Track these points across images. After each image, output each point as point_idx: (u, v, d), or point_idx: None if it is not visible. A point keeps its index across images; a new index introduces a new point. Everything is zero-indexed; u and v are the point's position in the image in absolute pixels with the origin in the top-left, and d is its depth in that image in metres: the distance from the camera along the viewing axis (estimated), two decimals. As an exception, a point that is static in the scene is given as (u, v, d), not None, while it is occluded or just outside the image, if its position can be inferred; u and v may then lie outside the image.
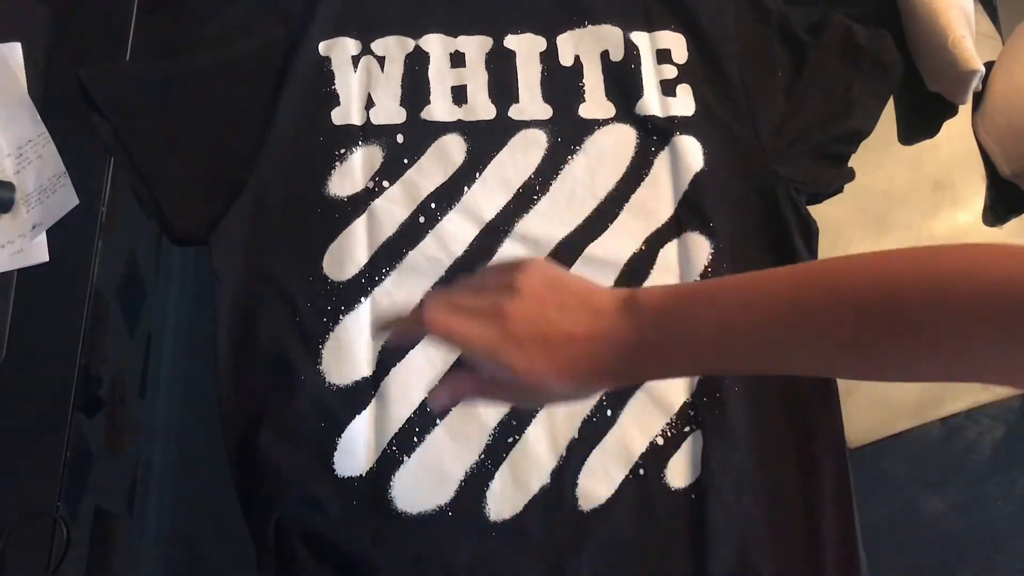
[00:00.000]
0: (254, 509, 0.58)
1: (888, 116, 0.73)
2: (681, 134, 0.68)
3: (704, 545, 0.58)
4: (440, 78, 0.69)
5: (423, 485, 0.59)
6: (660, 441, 0.61)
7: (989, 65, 0.73)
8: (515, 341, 0.45)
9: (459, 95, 0.69)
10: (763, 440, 0.61)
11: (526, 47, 0.71)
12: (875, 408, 0.65)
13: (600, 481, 0.60)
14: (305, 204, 0.65)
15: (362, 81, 0.69)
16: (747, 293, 0.42)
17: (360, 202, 0.65)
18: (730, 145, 0.68)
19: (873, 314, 0.37)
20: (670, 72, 0.70)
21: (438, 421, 0.61)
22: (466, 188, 0.66)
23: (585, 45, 0.71)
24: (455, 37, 0.71)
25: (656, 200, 0.67)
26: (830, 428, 0.61)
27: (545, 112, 0.69)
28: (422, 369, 0.62)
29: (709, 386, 0.62)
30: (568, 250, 0.65)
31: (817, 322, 0.39)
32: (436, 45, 0.70)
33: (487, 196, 0.66)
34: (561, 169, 0.67)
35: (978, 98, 0.74)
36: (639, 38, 0.71)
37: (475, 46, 0.70)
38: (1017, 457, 0.66)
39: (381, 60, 0.69)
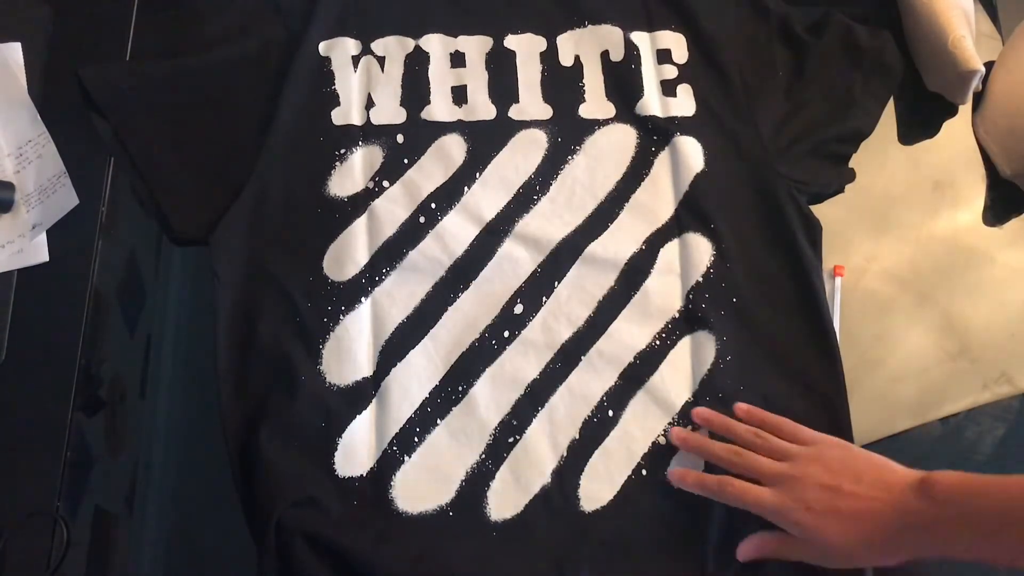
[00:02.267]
0: (254, 509, 0.58)
1: (888, 116, 0.73)
2: (681, 134, 0.68)
3: (706, 545, 0.58)
4: (440, 78, 0.69)
5: (424, 485, 0.59)
6: (662, 441, 0.61)
7: (989, 65, 0.73)
8: (806, 506, 0.52)
9: (459, 95, 0.69)
10: (764, 440, 0.61)
11: (526, 47, 0.71)
12: (875, 408, 0.65)
13: (602, 481, 0.60)
14: (305, 204, 0.65)
15: (362, 81, 0.69)
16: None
17: (360, 202, 0.65)
18: (731, 145, 0.68)
19: None
20: (670, 72, 0.70)
21: (438, 421, 0.61)
22: (466, 188, 0.66)
23: (585, 45, 0.71)
24: (455, 37, 0.71)
25: (656, 200, 0.67)
26: (836, 427, 0.61)
27: (545, 112, 0.69)
28: (422, 369, 0.62)
29: (711, 385, 0.62)
30: (568, 250, 0.65)
31: None
32: (436, 45, 0.70)
33: (487, 196, 0.66)
34: (561, 169, 0.67)
35: (978, 98, 0.74)
36: (639, 38, 0.71)
37: (475, 46, 0.70)
38: (1017, 457, 0.66)
39: (381, 60, 0.70)
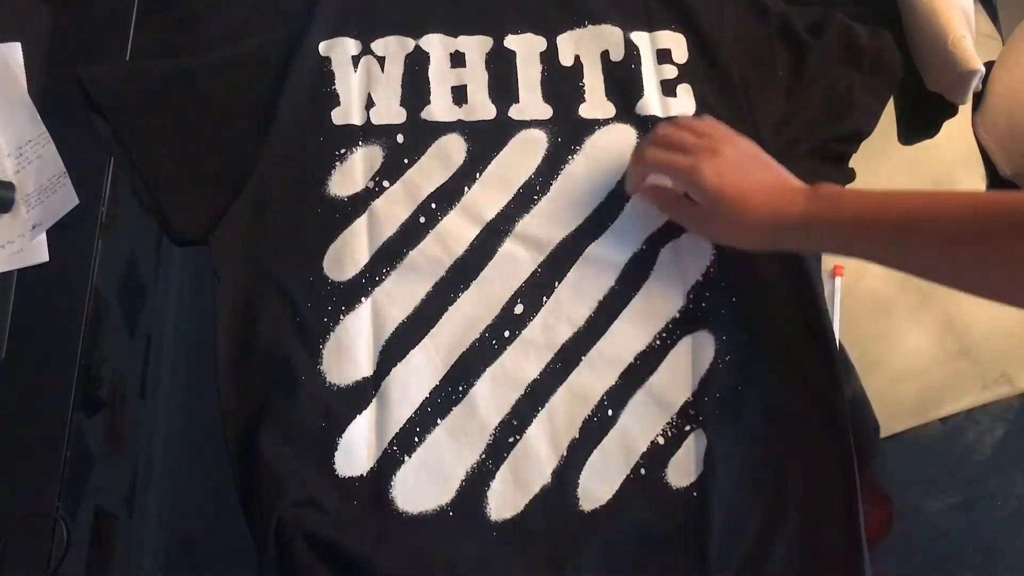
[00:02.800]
0: (254, 509, 0.58)
1: (888, 116, 0.73)
2: (681, 134, 0.68)
3: (706, 544, 0.58)
4: (440, 78, 0.69)
5: (424, 485, 0.59)
6: (661, 440, 0.61)
7: (989, 65, 0.73)
8: (717, 171, 0.59)
9: (459, 95, 0.69)
10: (766, 438, 0.61)
11: (526, 47, 0.71)
12: (875, 408, 0.65)
13: (601, 481, 0.60)
14: (305, 204, 0.65)
15: (362, 81, 0.69)
16: (881, 200, 0.55)
17: (360, 202, 0.65)
18: (730, 145, 0.68)
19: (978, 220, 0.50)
20: (670, 72, 0.70)
21: (439, 421, 0.61)
22: (466, 188, 0.66)
23: (585, 45, 0.71)
24: (455, 37, 0.71)
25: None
26: (835, 427, 0.61)
27: (545, 112, 0.69)
28: (422, 369, 0.62)
29: (711, 385, 0.62)
30: (568, 250, 0.65)
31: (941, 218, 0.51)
32: (436, 45, 0.70)
33: (487, 196, 0.66)
34: (561, 169, 0.67)
35: (978, 98, 0.74)
36: (639, 38, 0.71)
37: (475, 46, 0.70)
38: (1017, 457, 0.66)
39: (381, 60, 0.70)
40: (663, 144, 0.62)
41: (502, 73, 0.70)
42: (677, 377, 0.63)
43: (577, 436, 0.61)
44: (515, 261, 0.65)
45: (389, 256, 0.64)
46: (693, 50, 0.71)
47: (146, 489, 0.61)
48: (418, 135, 0.68)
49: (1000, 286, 0.52)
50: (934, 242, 0.52)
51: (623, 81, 0.70)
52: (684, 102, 0.69)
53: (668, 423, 0.62)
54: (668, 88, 0.70)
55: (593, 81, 0.70)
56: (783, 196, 0.58)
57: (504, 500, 0.59)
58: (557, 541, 0.59)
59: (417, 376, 0.62)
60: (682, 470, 0.61)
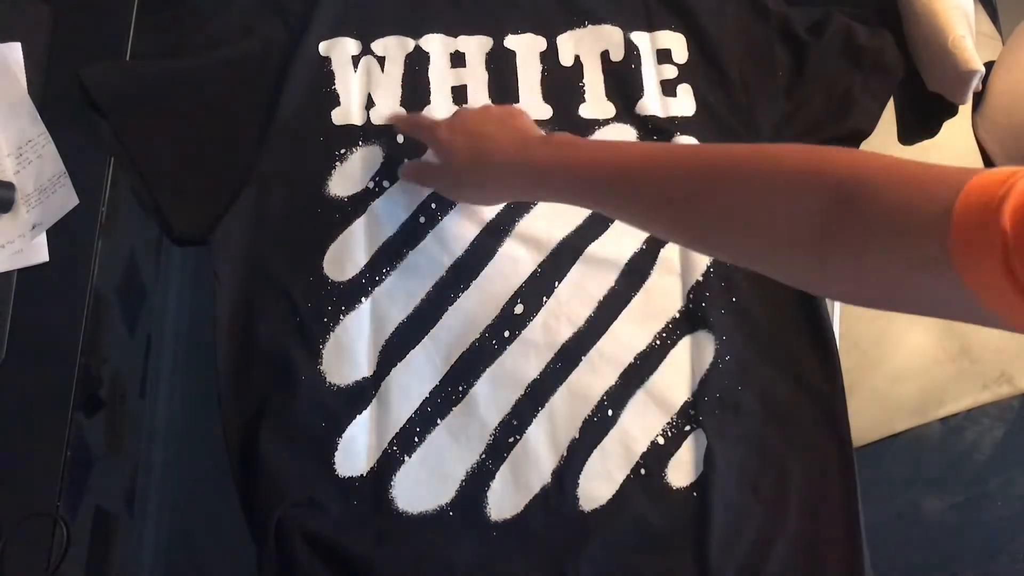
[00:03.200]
0: (254, 509, 0.58)
1: (888, 116, 0.73)
2: (681, 134, 0.68)
3: (706, 544, 0.58)
4: (440, 78, 0.69)
5: (424, 485, 0.59)
6: (661, 440, 0.61)
7: (989, 65, 0.73)
8: (450, 128, 0.60)
9: (459, 95, 0.69)
10: (766, 438, 0.62)
11: (526, 47, 0.71)
12: (875, 408, 0.65)
13: (601, 481, 0.60)
14: (305, 204, 0.65)
15: (362, 81, 0.69)
16: (610, 151, 0.53)
17: (360, 202, 0.65)
18: (730, 145, 0.68)
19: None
20: (670, 72, 0.70)
21: (439, 421, 0.61)
22: (466, 188, 0.66)
23: (585, 45, 0.71)
24: (455, 37, 0.71)
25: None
26: (835, 427, 0.61)
27: (545, 112, 0.69)
28: (422, 369, 0.62)
29: (710, 385, 0.62)
30: (569, 250, 0.65)
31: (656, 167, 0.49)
32: (436, 45, 0.70)
33: (487, 196, 0.66)
34: (561, 169, 0.67)
35: (978, 98, 0.74)
36: (639, 38, 0.71)
37: (475, 46, 0.70)
38: (1017, 457, 0.66)
39: (381, 60, 0.69)
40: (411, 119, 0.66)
41: (502, 73, 0.70)
42: (677, 377, 0.63)
43: (577, 436, 0.61)
44: (515, 261, 0.65)
45: (389, 256, 0.64)
46: (693, 50, 0.71)
47: (146, 489, 0.61)
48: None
49: (711, 239, 0.50)
50: (647, 192, 0.50)
51: (623, 81, 0.70)
52: (684, 102, 0.69)
53: (668, 423, 0.62)
54: (668, 88, 0.70)
55: (593, 81, 0.70)
56: (518, 145, 0.56)
57: (504, 500, 0.59)
58: (557, 541, 0.59)
59: (417, 376, 0.62)
60: (682, 470, 0.61)
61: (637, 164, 0.50)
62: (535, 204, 0.66)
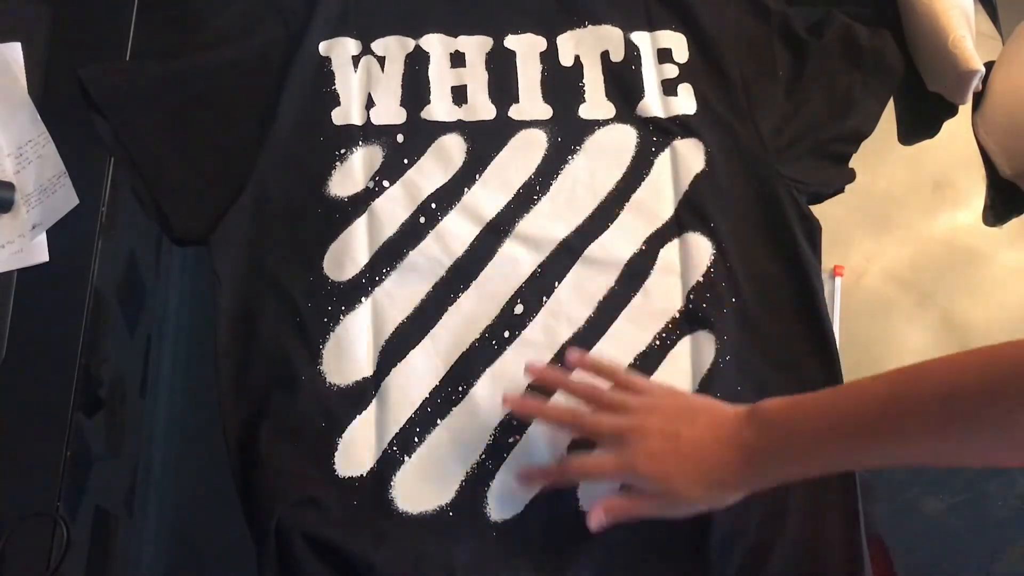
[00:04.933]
0: (254, 509, 0.58)
1: (888, 116, 0.73)
2: (682, 134, 0.68)
3: (706, 544, 0.58)
4: (440, 78, 0.69)
5: (424, 485, 0.59)
6: (661, 441, 0.61)
7: (989, 65, 0.73)
8: (649, 455, 0.53)
9: (459, 95, 0.69)
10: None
11: (526, 47, 0.71)
12: (875, 408, 0.65)
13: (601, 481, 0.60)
14: (305, 204, 0.65)
15: (362, 81, 0.69)
16: (844, 397, 0.50)
17: (360, 202, 0.65)
18: (731, 145, 0.68)
19: (950, 402, 0.44)
20: (671, 71, 0.70)
21: (439, 421, 0.61)
22: (466, 188, 0.66)
23: (585, 45, 0.71)
24: (455, 37, 0.71)
25: (656, 200, 0.67)
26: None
27: (545, 112, 0.69)
28: (422, 369, 0.62)
29: (711, 385, 0.62)
30: (569, 250, 0.65)
31: (908, 412, 0.46)
32: (436, 45, 0.70)
33: (487, 196, 0.66)
34: (561, 169, 0.67)
35: (978, 98, 0.74)
36: (640, 38, 0.71)
37: (475, 46, 0.70)
38: (1017, 457, 0.66)
39: (381, 60, 0.69)
40: (579, 428, 0.57)
41: (502, 73, 0.70)
42: (677, 377, 0.63)
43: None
44: (515, 261, 0.65)
45: (389, 256, 0.64)
46: (694, 50, 0.71)
47: (146, 489, 0.61)
48: (418, 135, 0.68)
49: (999, 454, 0.47)
50: (918, 431, 0.46)
51: (623, 81, 0.70)
52: (685, 101, 0.69)
53: (668, 423, 0.62)
54: (669, 87, 0.70)
55: (593, 81, 0.70)
56: (731, 443, 0.51)
57: (504, 500, 0.59)
58: (557, 541, 0.59)
59: (417, 376, 0.62)
60: (682, 470, 0.61)
61: (883, 411, 0.47)
62: (535, 204, 0.66)
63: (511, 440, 0.61)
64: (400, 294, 0.63)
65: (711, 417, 0.54)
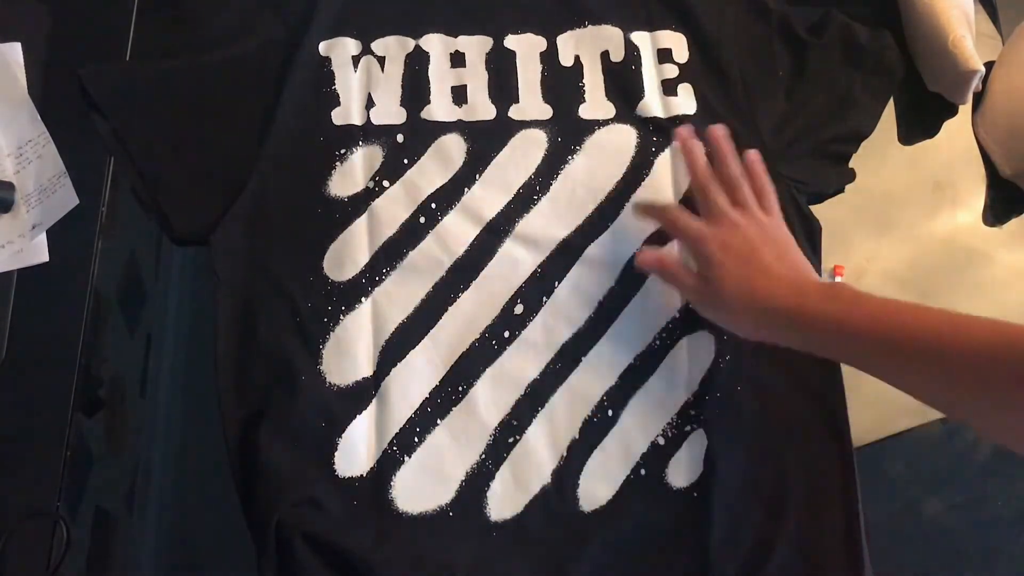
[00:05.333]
0: (254, 509, 0.58)
1: (888, 116, 0.73)
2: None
3: (707, 544, 0.58)
4: (440, 78, 0.69)
5: (424, 485, 0.59)
6: (661, 441, 0.61)
7: (989, 65, 0.73)
8: (723, 246, 0.56)
9: (459, 95, 0.69)
10: (766, 438, 0.61)
11: (526, 47, 0.71)
12: (875, 408, 0.65)
13: (601, 481, 0.60)
14: (305, 204, 0.65)
15: (362, 81, 0.69)
16: (893, 314, 0.51)
17: (360, 202, 0.65)
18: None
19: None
20: (671, 71, 0.70)
21: (438, 421, 0.61)
22: (466, 188, 0.66)
23: (585, 45, 0.71)
24: (455, 37, 0.71)
25: (657, 200, 0.67)
26: (835, 427, 0.61)
27: (545, 112, 0.69)
28: (422, 369, 0.62)
29: (711, 385, 0.62)
30: (569, 250, 0.65)
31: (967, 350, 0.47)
32: (436, 45, 0.70)
33: (487, 196, 0.66)
34: (561, 169, 0.67)
35: (978, 98, 0.74)
36: (640, 38, 0.71)
37: (475, 46, 0.70)
38: (1017, 457, 0.66)
39: (381, 60, 0.69)
40: (701, 185, 0.60)
41: (502, 73, 0.70)
42: (677, 377, 0.63)
43: (577, 436, 0.61)
44: (515, 261, 0.65)
45: (389, 256, 0.64)
46: (694, 50, 0.71)
47: (146, 489, 0.61)
48: (418, 135, 0.67)
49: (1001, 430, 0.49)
50: (932, 370, 0.48)
51: (623, 81, 0.70)
52: (685, 101, 0.69)
53: (668, 423, 0.62)
54: (669, 87, 0.70)
55: (593, 81, 0.70)
56: (795, 291, 0.54)
57: (504, 500, 0.59)
58: (557, 541, 0.59)
59: (417, 376, 0.62)
60: (682, 470, 0.61)
61: (922, 335, 0.48)
62: (535, 204, 0.66)
63: (511, 440, 0.61)
64: (400, 294, 0.63)
65: (798, 264, 0.57)
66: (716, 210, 0.58)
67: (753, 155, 0.62)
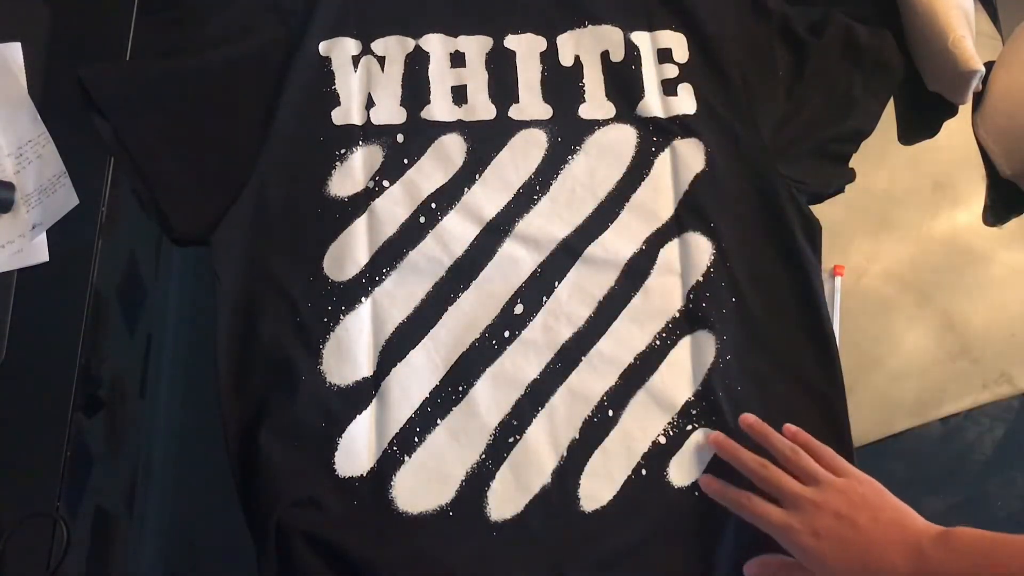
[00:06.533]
0: (254, 509, 0.58)
1: (888, 116, 0.73)
2: (682, 134, 0.68)
3: (708, 544, 0.58)
4: (440, 78, 0.69)
5: (424, 485, 0.59)
6: (662, 440, 0.61)
7: (989, 65, 0.73)
8: (813, 532, 0.52)
9: (459, 95, 0.69)
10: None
11: (526, 47, 0.71)
12: (875, 408, 0.65)
13: (602, 481, 0.60)
14: (305, 204, 0.65)
15: (362, 81, 0.69)
16: None
17: (360, 202, 0.65)
18: (731, 144, 0.68)
19: None
20: (671, 71, 0.70)
21: (439, 421, 0.61)
22: (466, 188, 0.66)
23: (585, 45, 0.71)
24: (455, 37, 0.71)
25: (656, 200, 0.67)
26: (835, 427, 0.62)
27: (545, 112, 0.69)
28: (422, 369, 0.62)
29: (711, 385, 0.62)
30: (568, 250, 0.65)
31: None
32: (436, 45, 0.70)
33: (487, 196, 0.66)
34: (561, 169, 0.67)
35: (978, 98, 0.74)
36: (640, 38, 0.71)
37: (475, 46, 0.70)
38: (1017, 457, 0.66)
39: (381, 60, 0.69)
40: (763, 480, 0.56)
41: (502, 73, 0.70)
42: (678, 377, 0.63)
43: (577, 436, 0.61)
44: (515, 261, 0.65)
45: (389, 256, 0.64)
46: (694, 50, 0.71)
47: (146, 489, 0.61)
48: (418, 135, 0.67)
49: None
50: None
51: (623, 81, 0.70)
52: (685, 101, 0.69)
53: (669, 423, 0.62)
54: (669, 87, 0.70)
55: (593, 81, 0.70)
56: (912, 555, 0.50)
57: (504, 500, 0.59)
58: (557, 541, 0.59)
59: (417, 376, 0.62)
60: (683, 470, 0.61)
61: None
62: (535, 204, 0.66)
63: (511, 440, 0.61)
64: (400, 294, 0.63)
65: (898, 518, 0.52)
66: (791, 496, 0.54)
67: (791, 429, 0.59)
